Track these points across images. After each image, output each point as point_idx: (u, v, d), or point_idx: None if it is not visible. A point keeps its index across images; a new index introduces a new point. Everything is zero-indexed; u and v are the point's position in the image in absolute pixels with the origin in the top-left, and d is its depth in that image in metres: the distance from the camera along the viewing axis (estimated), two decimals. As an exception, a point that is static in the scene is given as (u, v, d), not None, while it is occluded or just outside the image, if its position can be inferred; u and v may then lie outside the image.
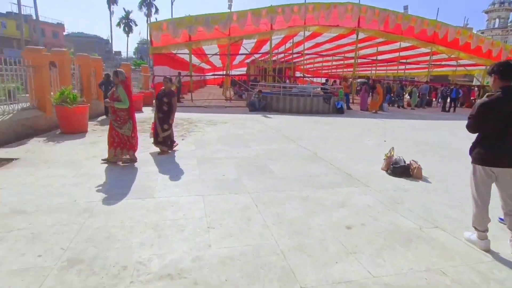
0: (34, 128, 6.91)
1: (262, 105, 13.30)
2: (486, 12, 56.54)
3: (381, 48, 21.33)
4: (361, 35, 18.03)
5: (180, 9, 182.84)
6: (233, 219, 3.15)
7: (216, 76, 32.52)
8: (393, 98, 18.17)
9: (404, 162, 4.87)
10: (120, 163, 4.90)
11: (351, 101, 16.87)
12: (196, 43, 16.61)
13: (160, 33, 15.76)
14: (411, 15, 18.09)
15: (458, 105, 18.13)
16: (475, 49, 19.66)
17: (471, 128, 2.75)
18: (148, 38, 16.00)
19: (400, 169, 4.68)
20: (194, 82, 28.77)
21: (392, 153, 5.03)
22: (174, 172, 4.58)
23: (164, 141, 5.60)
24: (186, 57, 17.44)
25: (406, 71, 25.80)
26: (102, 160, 4.97)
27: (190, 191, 3.84)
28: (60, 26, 49.18)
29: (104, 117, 9.94)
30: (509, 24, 53.71)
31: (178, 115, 11.03)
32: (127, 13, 56.56)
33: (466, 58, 20.64)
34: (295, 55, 24.08)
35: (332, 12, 16.42)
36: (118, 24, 56.78)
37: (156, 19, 48.07)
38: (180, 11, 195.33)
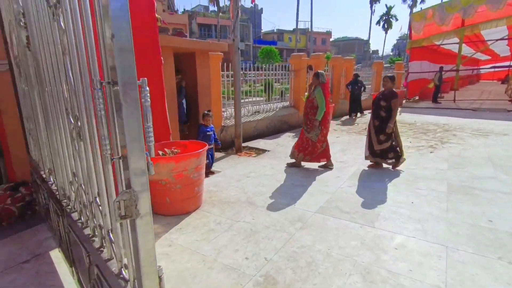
0: (288, 124, 8.00)
1: None
2: None
3: None
4: None
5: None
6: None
7: (496, 69, 24.82)
8: None
9: None
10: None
11: None
12: (472, 28, 13.05)
13: (423, 23, 13.77)
14: None
15: None
16: None
17: None
18: (408, 32, 14.37)
19: None
20: (460, 78, 23.45)
21: None
22: (408, 195, 3.53)
23: (383, 153, 4.52)
24: (454, 48, 14.23)
25: None
26: (287, 164, 4.80)
27: (426, 233, 2.72)
28: (328, 33, 56.38)
29: (347, 117, 10.00)
30: None
31: (431, 120, 9.05)
32: (389, 8, 55.11)
33: None
34: None
35: None
36: (378, 22, 56.76)
37: (421, 9, 43.35)
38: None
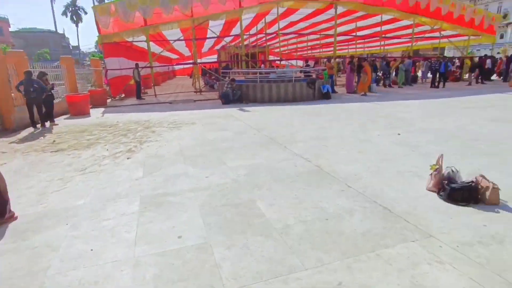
0: None
1: (237, 96, 11.30)
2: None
3: (360, 23, 19.70)
4: (339, 9, 16.21)
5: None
6: None
7: (184, 66, 29.91)
8: (377, 77, 16.70)
9: (460, 177, 3.18)
10: None
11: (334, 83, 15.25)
12: (154, 28, 14.13)
13: (109, 18, 13.18)
14: (393, -17, 16.45)
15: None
16: (457, 18, 18.46)
17: None
18: (96, 26, 13.35)
19: (462, 192, 2.97)
20: (160, 74, 26.09)
21: (441, 163, 3.31)
22: (88, 240, 2.61)
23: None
24: (145, 46, 14.95)
25: (385, 47, 24.49)
26: None
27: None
28: (3, 20, 43.80)
29: (32, 129, 7.60)
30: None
31: (132, 118, 8.90)
32: (73, -2, 51.09)
33: (449, 29, 19.45)
34: (268, 37, 22.04)
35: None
36: (64, 13, 51.25)
37: (104, 1, 42.68)
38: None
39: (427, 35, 19.68)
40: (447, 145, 5.08)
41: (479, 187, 2.97)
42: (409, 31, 18.78)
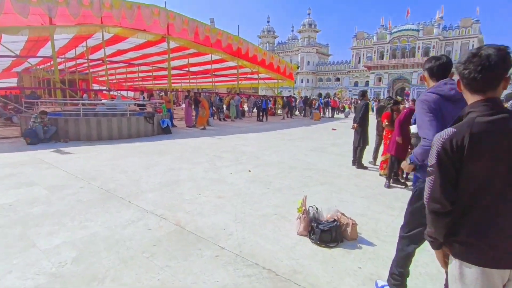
0: None
1: (51, 134, 8.72)
2: (260, 37, 70.03)
3: (193, 60, 20.53)
4: (172, 44, 16.25)
5: None
6: None
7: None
8: (212, 111, 17.63)
9: (322, 215, 3.28)
10: None
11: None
12: None
13: None
14: (218, 28, 18.17)
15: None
16: (269, 64, 22.52)
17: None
18: None
19: (330, 232, 3.00)
20: None
21: (305, 205, 3.31)
22: None
23: None
24: None
25: (215, 83, 26.60)
26: None
27: None
28: None
29: None
30: (275, 48, 68.86)
31: None
32: None
33: (264, 72, 23.42)
34: (91, 63, 19.22)
35: (136, 13, 13.59)
36: None
37: None
38: None
39: (248, 76, 22.89)
40: (291, 177, 5.48)
41: (341, 224, 3.10)
42: (235, 71, 21.23)
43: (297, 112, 24.93)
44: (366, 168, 6.32)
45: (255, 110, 20.46)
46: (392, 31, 52.35)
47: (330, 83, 63.52)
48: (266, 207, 3.97)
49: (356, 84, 59.30)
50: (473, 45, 46.64)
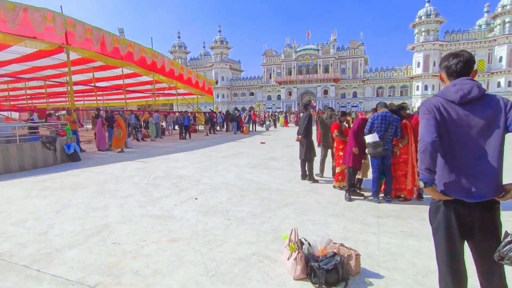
0: None
1: None
2: (171, 52, 67.72)
3: (99, 74, 18.01)
4: (73, 56, 13.87)
5: None
6: None
7: None
8: (129, 131, 15.63)
9: (317, 249, 2.73)
10: None
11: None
12: None
13: None
14: (129, 40, 16.46)
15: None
16: (187, 79, 21.55)
17: None
18: None
19: (336, 271, 2.45)
20: None
21: (296, 240, 2.70)
22: None
23: None
24: None
25: (128, 100, 24.05)
26: None
27: None
28: None
29: None
30: (188, 64, 67.53)
31: None
32: None
33: (182, 88, 22.26)
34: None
35: (21, 16, 11.07)
36: None
37: None
38: None
39: (166, 91, 21.36)
40: (247, 201, 4.83)
41: (344, 259, 2.60)
42: (150, 86, 19.51)
43: (218, 127, 24.45)
44: (317, 181, 6.13)
45: (176, 127, 19.10)
46: (297, 50, 57.40)
47: (245, 97, 65.46)
48: (238, 246, 3.21)
49: (269, 98, 62.55)
50: (361, 64, 54.83)
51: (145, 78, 19.41)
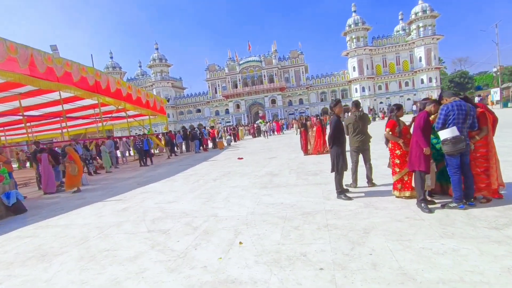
0: None
1: None
2: (104, 74, 62.33)
3: (28, 102, 14.92)
4: (-6, 80, 11.11)
5: None
6: None
7: None
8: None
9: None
10: None
11: None
12: None
13: None
14: (65, 58, 13.96)
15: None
16: (136, 99, 19.33)
17: None
18: None
19: None
20: None
21: None
22: None
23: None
24: None
25: (68, 129, 20.64)
26: None
27: None
28: None
29: None
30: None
31: None
32: None
33: (132, 109, 19.89)
34: None
35: None
36: None
37: None
38: None
39: (114, 114, 18.76)
40: (309, 233, 3.64)
41: None
42: (95, 110, 16.90)
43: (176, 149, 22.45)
44: (350, 198, 5.02)
45: (131, 153, 16.74)
46: (240, 63, 57.51)
47: (192, 115, 63.15)
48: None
49: (217, 112, 61.23)
50: (302, 71, 57.12)
51: (87, 102, 16.77)
